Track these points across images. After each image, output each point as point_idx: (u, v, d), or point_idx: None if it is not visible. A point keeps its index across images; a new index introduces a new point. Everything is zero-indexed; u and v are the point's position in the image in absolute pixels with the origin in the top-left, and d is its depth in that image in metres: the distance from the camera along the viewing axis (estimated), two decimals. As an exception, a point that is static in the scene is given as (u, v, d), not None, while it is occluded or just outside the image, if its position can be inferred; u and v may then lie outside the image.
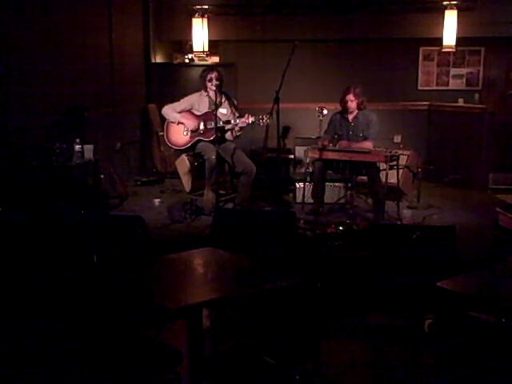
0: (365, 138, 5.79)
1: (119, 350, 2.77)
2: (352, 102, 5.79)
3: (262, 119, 5.50)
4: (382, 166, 5.54)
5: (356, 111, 5.86)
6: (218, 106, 5.50)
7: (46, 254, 3.92)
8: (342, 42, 8.04)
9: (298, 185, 6.27)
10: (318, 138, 5.97)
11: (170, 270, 2.84)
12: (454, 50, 7.47)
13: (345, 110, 5.88)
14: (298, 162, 6.94)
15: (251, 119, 5.57)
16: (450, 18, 7.34)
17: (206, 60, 8.15)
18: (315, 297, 2.65)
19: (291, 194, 6.48)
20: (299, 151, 6.86)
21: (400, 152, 5.90)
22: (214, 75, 5.63)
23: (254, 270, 2.85)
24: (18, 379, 3.31)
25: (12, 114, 5.09)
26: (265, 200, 6.19)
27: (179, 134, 5.77)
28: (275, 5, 7.86)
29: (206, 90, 5.73)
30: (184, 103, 5.82)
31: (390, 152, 5.48)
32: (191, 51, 8.04)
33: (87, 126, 5.82)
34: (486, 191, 7.04)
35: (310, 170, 5.92)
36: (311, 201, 5.85)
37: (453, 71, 8.17)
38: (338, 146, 5.71)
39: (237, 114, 5.75)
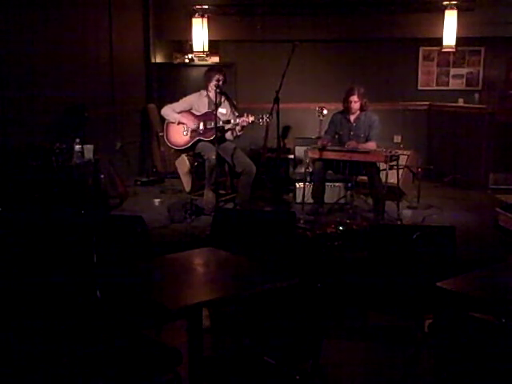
0: (366, 139, 5.79)
1: (119, 349, 2.77)
2: (356, 103, 5.78)
3: (262, 119, 5.51)
4: (382, 166, 5.53)
5: (358, 112, 5.85)
6: (217, 105, 5.51)
7: (46, 254, 3.92)
8: (342, 41, 8.04)
9: (297, 185, 6.27)
10: (318, 138, 5.97)
11: (170, 269, 2.84)
12: (454, 49, 7.48)
13: (347, 111, 5.87)
14: (298, 162, 6.94)
15: (251, 118, 5.58)
16: (450, 18, 7.35)
17: (206, 60, 8.15)
18: (315, 297, 2.65)
19: (291, 194, 6.48)
20: (299, 151, 6.86)
21: (400, 152, 5.90)
22: (221, 77, 5.63)
23: (254, 270, 2.85)
24: (17, 379, 3.31)
25: (12, 113, 5.09)
26: (265, 200, 6.19)
27: (179, 134, 5.77)
28: (275, 5, 7.86)
29: (207, 90, 5.73)
30: (183, 103, 5.83)
31: (390, 152, 5.47)
32: (191, 51, 8.04)
33: (87, 125, 5.82)
34: (486, 191, 7.04)
35: (310, 170, 5.92)
36: (311, 201, 5.85)
37: (453, 71, 8.18)
38: (347, 146, 5.70)
39: (236, 114, 5.76)
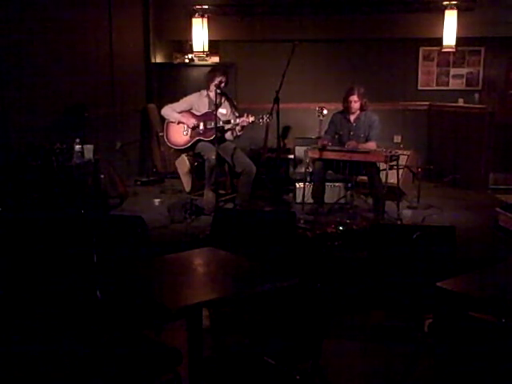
0: (366, 139, 5.79)
1: (119, 349, 2.77)
2: (356, 103, 5.78)
3: (262, 119, 5.51)
4: (382, 166, 5.53)
5: (358, 112, 5.85)
6: (218, 106, 5.51)
7: (46, 254, 3.92)
8: (342, 41, 8.04)
9: (297, 185, 6.27)
10: (318, 138, 5.96)
11: (169, 270, 2.84)
12: (454, 49, 7.48)
13: (347, 111, 5.87)
14: (298, 162, 6.94)
15: (251, 119, 5.59)
16: (450, 18, 7.35)
17: (206, 60, 8.15)
18: (315, 297, 2.65)
19: (291, 194, 6.47)
20: (299, 151, 6.86)
21: (400, 152, 5.90)
22: (224, 79, 5.63)
23: (254, 270, 2.85)
24: (18, 379, 3.31)
25: (12, 114, 5.10)
26: (265, 200, 6.19)
27: (179, 134, 5.77)
28: (275, 5, 7.86)
29: (208, 89, 5.73)
30: (183, 103, 5.83)
31: (390, 152, 5.47)
32: (191, 51, 8.04)
33: (87, 126, 5.83)
34: (485, 191, 7.04)
35: (310, 170, 5.92)
36: (311, 201, 5.85)
37: (453, 71, 8.18)
38: (347, 146, 5.70)
39: (236, 114, 5.76)
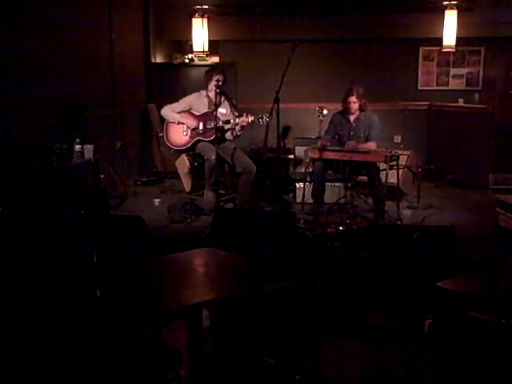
0: (366, 139, 5.79)
1: (119, 350, 2.77)
2: (355, 104, 5.77)
3: (262, 118, 5.51)
4: (382, 166, 5.53)
5: (358, 112, 5.85)
6: (217, 106, 5.51)
7: (46, 254, 3.92)
8: (342, 42, 8.05)
9: (297, 185, 6.27)
10: (318, 138, 5.96)
11: (170, 270, 2.84)
12: (454, 49, 7.49)
13: (346, 111, 5.86)
14: (298, 162, 6.94)
15: (251, 118, 5.58)
16: (450, 18, 7.36)
17: (206, 60, 8.16)
18: (315, 297, 2.65)
19: (291, 194, 6.48)
20: (299, 151, 6.86)
21: (400, 152, 5.90)
22: (221, 77, 5.63)
23: (254, 270, 2.85)
24: (18, 379, 3.31)
25: (12, 113, 5.10)
26: (265, 200, 6.19)
27: (179, 134, 5.77)
28: (275, 5, 7.87)
29: (207, 90, 5.73)
30: (183, 104, 5.83)
31: (390, 152, 5.47)
32: (191, 51, 8.05)
33: (87, 126, 5.83)
34: (486, 191, 7.04)
35: (310, 170, 5.91)
36: (311, 201, 5.85)
37: (453, 71, 8.18)
38: (346, 145, 5.70)
39: (236, 114, 5.76)
